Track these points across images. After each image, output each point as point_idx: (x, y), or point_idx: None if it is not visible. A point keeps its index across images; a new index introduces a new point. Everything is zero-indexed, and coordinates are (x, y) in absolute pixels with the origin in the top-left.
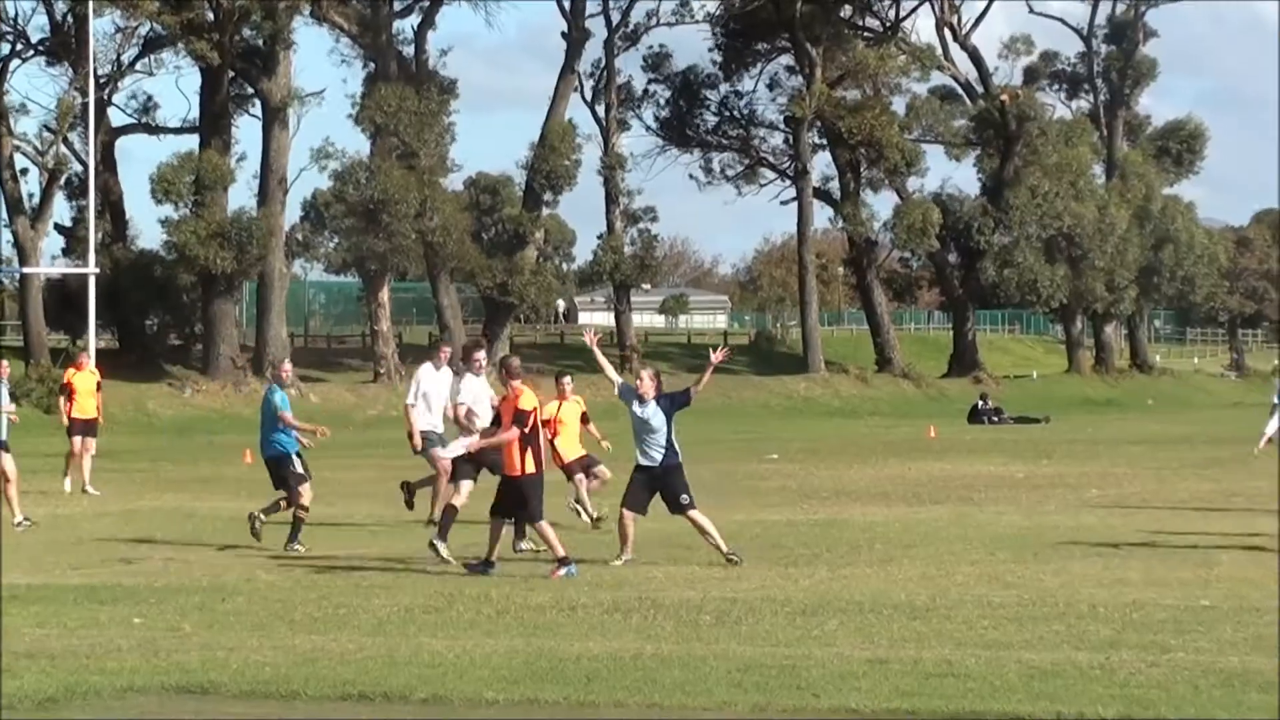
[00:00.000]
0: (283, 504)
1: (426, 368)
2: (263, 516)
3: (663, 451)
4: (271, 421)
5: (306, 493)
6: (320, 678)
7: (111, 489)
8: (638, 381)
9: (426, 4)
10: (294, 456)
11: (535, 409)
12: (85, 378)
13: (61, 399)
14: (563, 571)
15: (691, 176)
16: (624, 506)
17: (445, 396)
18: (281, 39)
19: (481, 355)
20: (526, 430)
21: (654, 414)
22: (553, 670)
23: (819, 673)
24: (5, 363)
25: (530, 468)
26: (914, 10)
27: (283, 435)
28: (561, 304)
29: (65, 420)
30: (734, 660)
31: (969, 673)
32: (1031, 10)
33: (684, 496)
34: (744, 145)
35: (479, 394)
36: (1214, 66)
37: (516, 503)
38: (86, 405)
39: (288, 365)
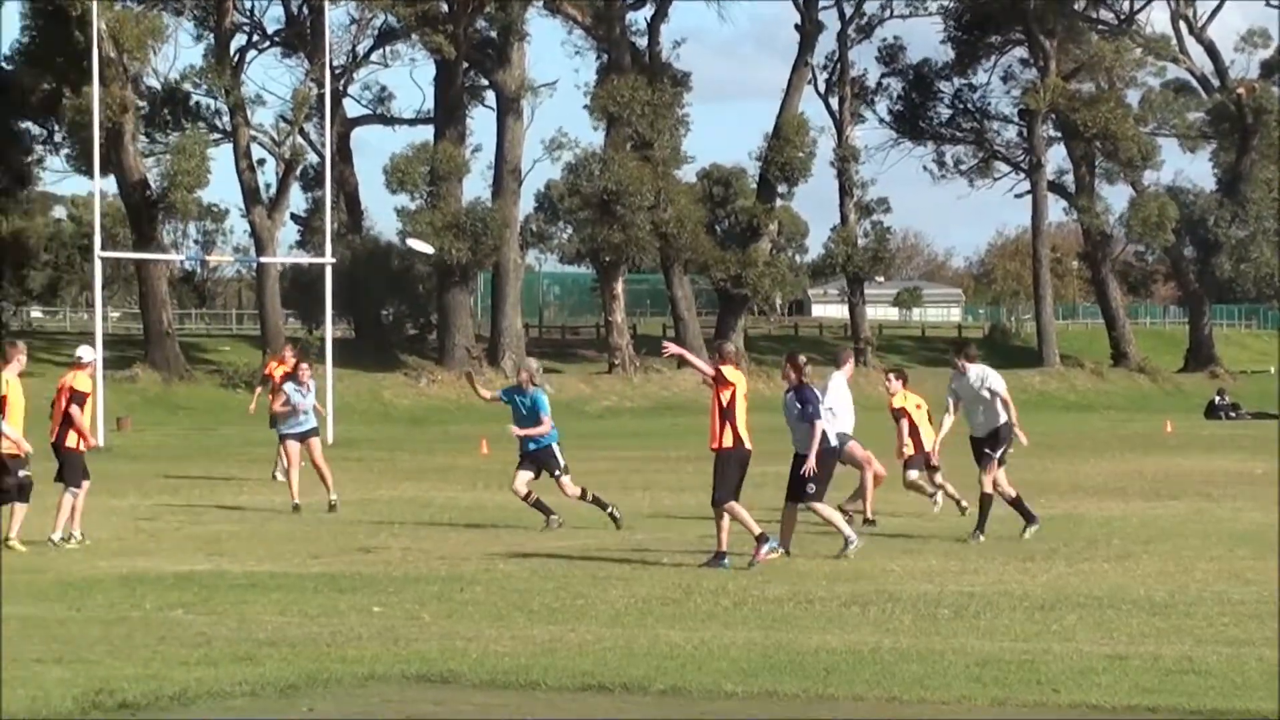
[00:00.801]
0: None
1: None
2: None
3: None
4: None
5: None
6: (559, 668)
7: (349, 478)
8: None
9: None
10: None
11: (735, 384)
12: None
13: (259, 389)
14: (765, 548)
15: (925, 169)
16: (788, 500)
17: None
18: (515, 30)
19: (848, 356)
20: (725, 404)
21: (791, 404)
22: (791, 663)
23: (1058, 668)
24: (305, 365)
25: (728, 441)
26: (1148, 3)
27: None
28: (779, 298)
29: (254, 409)
30: (972, 655)
31: (1210, 670)
32: (1269, 3)
33: (810, 486)
34: (978, 138)
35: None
36: None
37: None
38: None
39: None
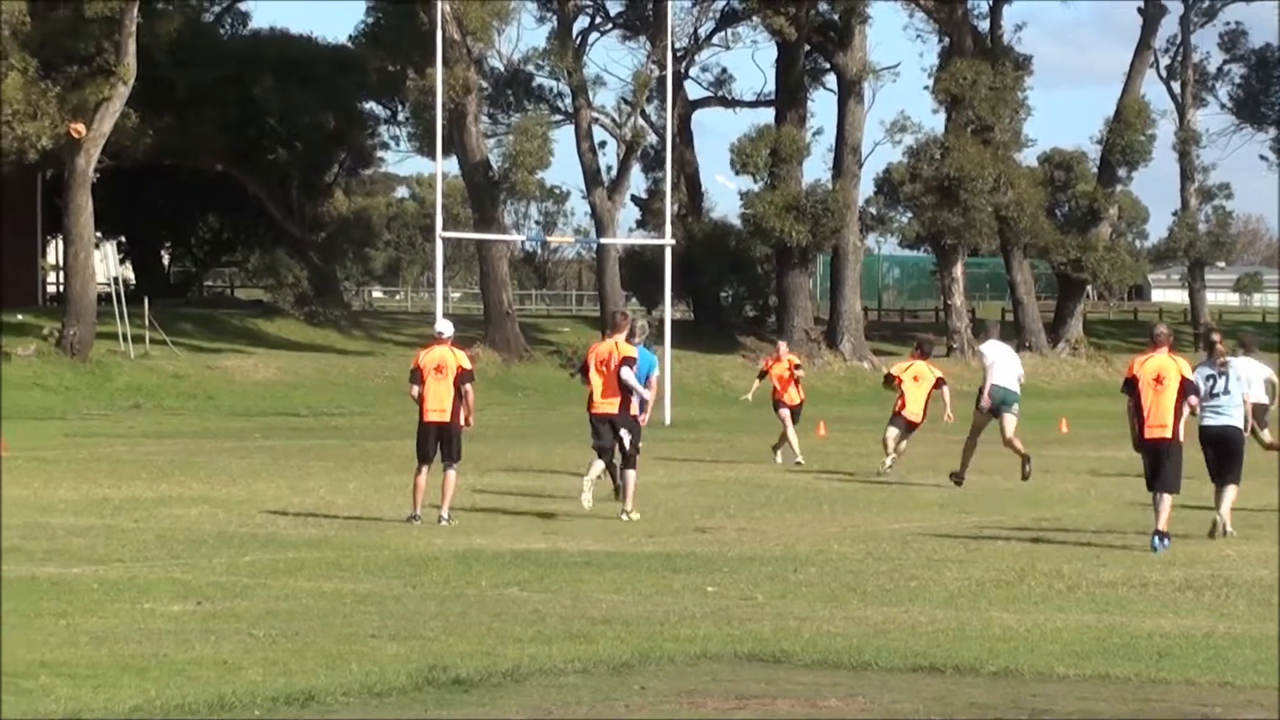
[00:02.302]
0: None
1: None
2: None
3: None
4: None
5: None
6: (891, 649)
7: (686, 459)
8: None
9: None
10: None
11: (1139, 378)
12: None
13: (757, 383)
14: (1156, 541)
15: (1262, 157)
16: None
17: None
18: (857, 13)
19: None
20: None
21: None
22: (1124, 646)
23: None
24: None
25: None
26: None
27: None
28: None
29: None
30: None
31: None
32: None
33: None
34: None
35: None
36: None
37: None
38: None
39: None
